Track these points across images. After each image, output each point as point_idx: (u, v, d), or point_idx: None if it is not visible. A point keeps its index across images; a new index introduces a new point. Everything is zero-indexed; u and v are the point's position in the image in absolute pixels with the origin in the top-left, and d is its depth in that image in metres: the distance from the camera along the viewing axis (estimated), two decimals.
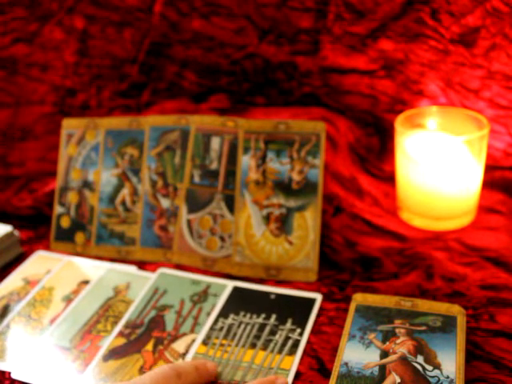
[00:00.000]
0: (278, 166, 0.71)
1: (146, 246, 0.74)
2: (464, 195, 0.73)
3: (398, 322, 0.58)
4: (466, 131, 0.74)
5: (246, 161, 0.71)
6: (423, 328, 0.57)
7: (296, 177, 0.70)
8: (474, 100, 0.84)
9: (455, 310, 0.59)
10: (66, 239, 0.78)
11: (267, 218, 0.70)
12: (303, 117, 0.88)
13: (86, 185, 0.78)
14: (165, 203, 0.74)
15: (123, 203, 0.75)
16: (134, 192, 0.75)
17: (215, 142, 0.72)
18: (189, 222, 0.72)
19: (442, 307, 0.59)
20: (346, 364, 0.54)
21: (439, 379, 0.52)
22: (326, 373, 0.55)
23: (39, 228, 0.81)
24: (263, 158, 0.71)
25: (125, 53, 1.00)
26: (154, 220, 0.74)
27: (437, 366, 0.53)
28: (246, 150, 0.72)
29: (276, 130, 0.71)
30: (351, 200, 0.79)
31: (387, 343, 0.56)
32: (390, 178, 0.81)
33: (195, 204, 0.73)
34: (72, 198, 0.78)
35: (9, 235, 0.74)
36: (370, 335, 0.57)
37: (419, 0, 0.87)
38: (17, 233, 0.76)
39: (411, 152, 0.73)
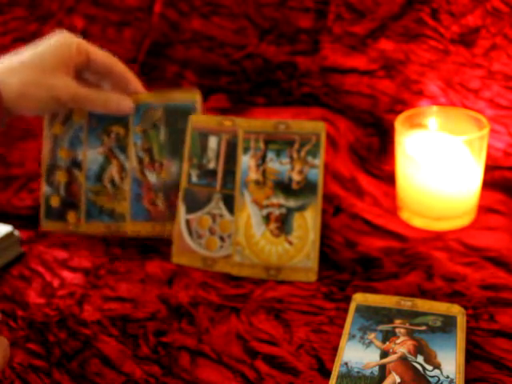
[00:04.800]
0: (278, 165, 0.71)
1: (137, 220, 0.75)
2: (464, 195, 0.73)
3: (397, 321, 0.58)
4: (466, 131, 0.74)
5: (246, 161, 0.71)
6: (423, 328, 0.57)
7: (296, 177, 0.70)
8: (473, 100, 0.84)
9: (455, 309, 0.59)
10: (57, 218, 0.79)
11: (267, 218, 0.70)
12: (303, 117, 0.88)
13: (75, 164, 0.78)
14: (152, 178, 0.75)
15: (111, 180, 0.77)
16: (122, 169, 0.77)
17: (212, 141, 0.73)
18: (187, 222, 0.72)
19: (442, 307, 0.59)
20: (346, 364, 0.54)
21: (439, 379, 0.52)
22: (325, 373, 0.55)
23: (39, 228, 0.81)
24: (263, 158, 0.71)
25: (125, 53, 1.00)
26: (142, 195, 0.75)
27: (437, 366, 0.53)
28: (246, 149, 0.72)
29: (276, 130, 0.71)
30: (351, 200, 0.79)
31: (387, 343, 0.56)
32: (390, 178, 0.81)
33: (193, 204, 0.73)
34: (60, 177, 0.79)
35: (9, 235, 0.74)
36: (370, 335, 0.57)
37: (419, 0, 0.87)
38: (17, 233, 0.76)
39: (411, 152, 0.73)
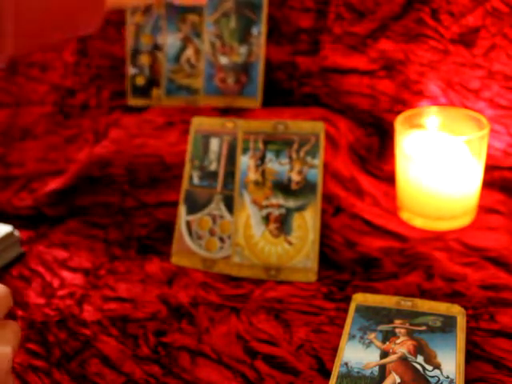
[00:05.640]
0: (277, 166, 0.71)
1: (209, 94, 0.92)
2: (464, 195, 0.73)
3: (398, 322, 0.58)
4: (466, 131, 0.74)
5: (245, 161, 0.72)
6: (423, 328, 0.57)
7: (295, 177, 0.70)
8: (474, 100, 0.84)
9: (455, 310, 0.59)
10: (143, 94, 0.96)
11: (266, 219, 0.70)
12: (303, 117, 0.88)
13: (157, 47, 0.94)
14: (223, 60, 0.92)
15: (188, 61, 0.92)
16: (197, 51, 0.93)
17: (214, 143, 0.73)
18: (188, 223, 0.73)
19: (442, 307, 0.59)
20: (346, 364, 0.54)
21: (439, 379, 0.52)
22: (326, 373, 0.55)
23: (39, 228, 0.81)
24: (262, 159, 0.71)
25: (125, 53, 1.00)
26: (214, 74, 0.92)
27: (437, 366, 0.53)
28: (245, 150, 0.72)
29: (275, 131, 0.71)
30: (351, 200, 0.79)
31: (387, 343, 0.56)
32: (390, 178, 0.81)
33: (194, 205, 0.73)
34: (144, 59, 0.95)
35: (9, 235, 0.74)
36: (370, 335, 0.57)
37: (419, 0, 0.87)
38: (17, 233, 0.76)
39: (411, 152, 0.73)
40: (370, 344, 0.56)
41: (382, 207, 0.79)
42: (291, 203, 0.70)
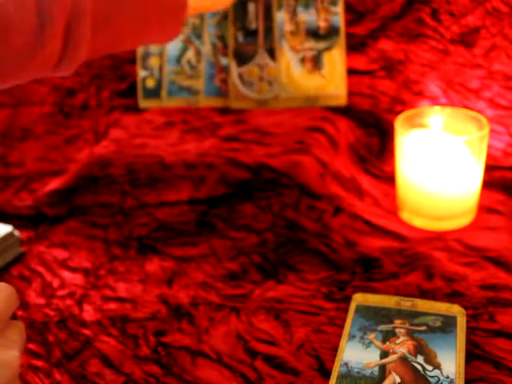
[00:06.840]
0: (307, 16, 0.90)
1: (209, 95, 0.94)
2: (464, 195, 0.73)
3: (398, 322, 0.58)
4: (466, 131, 0.74)
5: (281, 16, 0.90)
6: (423, 328, 0.57)
7: (322, 24, 0.89)
8: (474, 100, 0.84)
9: (455, 310, 0.59)
10: (153, 96, 0.96)
11: (303, 60, 0.90)
12: (303, 117, 0.88)
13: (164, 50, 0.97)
14: (224, 61, 0.94)
15: (189, 62, 0.95)
16: (198, 53, 0.95)
17: (251, 6, 0.91)
18: (240, 75, 0.91)
19: (442, 307, 0.59)
20: (346, 364, 0.54)
21: (439, 379, 0.52)
22: (325, 373, 0.55)
23: (39, 228, 0.81)
24: (294, 12, 0.90)
25: (125, 53, 1.00)
26: (215, 75, 0.94)
27: (437, 366, 0.53)
28: (279, 7, 0.90)
29: None
30: (351, 200, 0.79)
31: (387, 343, 0.56)
32: (390, 178, 0.81)
33: (242, 59, 0.91)
34: (154, 62, 0.96)
35: (9, 235, 0.74)
36: (370, 335, 0.57)
37: (419, 0, 0.87)
38: (17, 233, 0.76)
39: (411, 152, 0.73)
40: (370, 344, 0.56)
41: (382, 207, 0.79)
42: (321, 45, 0.90)
